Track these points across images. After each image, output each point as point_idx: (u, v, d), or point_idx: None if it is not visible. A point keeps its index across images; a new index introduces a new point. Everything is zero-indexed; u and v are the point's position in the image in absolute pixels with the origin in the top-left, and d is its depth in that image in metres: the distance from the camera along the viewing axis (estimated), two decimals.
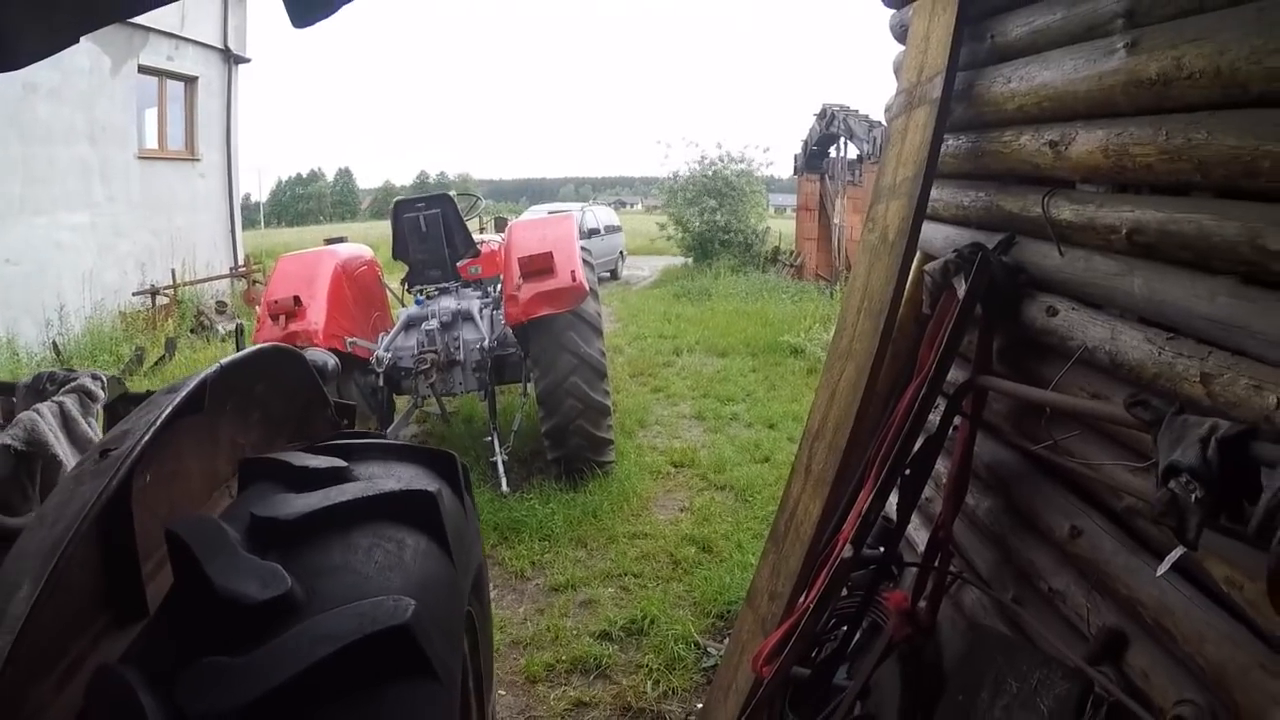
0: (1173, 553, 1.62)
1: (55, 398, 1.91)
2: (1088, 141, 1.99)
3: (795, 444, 3.15)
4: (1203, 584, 1.69)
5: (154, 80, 15.35)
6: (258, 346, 1.75)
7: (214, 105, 17.27)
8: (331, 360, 2.93)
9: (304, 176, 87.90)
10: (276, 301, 5.71)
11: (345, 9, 1.66)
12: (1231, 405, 1.53)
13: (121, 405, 2.08)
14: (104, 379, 2.06)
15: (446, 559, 1.43)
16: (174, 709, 1.02)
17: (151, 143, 15.82)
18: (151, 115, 15.81)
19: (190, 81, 16.49)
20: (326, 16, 1.61)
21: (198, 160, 16.88)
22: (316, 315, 5.73)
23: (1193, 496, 1.34)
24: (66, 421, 1.85)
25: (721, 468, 6.49)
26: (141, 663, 1.10)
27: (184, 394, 1.35)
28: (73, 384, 1.96)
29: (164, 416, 1.27)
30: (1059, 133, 2.12)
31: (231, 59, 17.56)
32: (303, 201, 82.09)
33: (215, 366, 1.51)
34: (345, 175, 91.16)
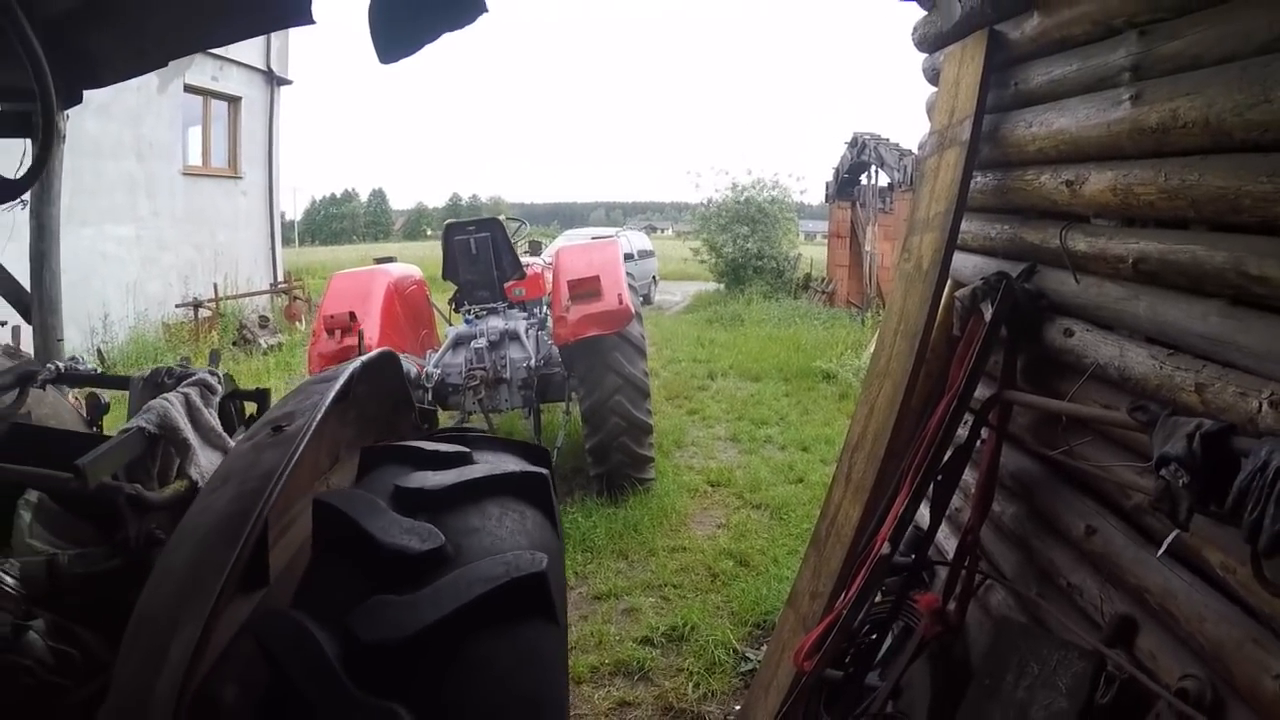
0: (1169, 536, 1.83)
1: (180, 389, 2.09)
2: (1099, 181, 2.24)
3: (828, 466, 3.39)
4: (1201, 570, 1.90)
5: (198, 99, 15.85)
6: (381, 350, 1.96)
7: (256, 125, 17.79)
8: (414, 369, 3.18)
9: (338, 196, 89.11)
10: (333, 316, 5.94)
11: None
12: (1221, 410, 1.76)
13: (232, 400, 2.34)
14: (220, 376, 2.30)
15: (555, 532, 1.65)
16: (349, 639, 1.23)
17: (195, 159, 16.32)
18: (195, 133, 16.28)
19: (234, 101, 17.03)
20: (410, 54, 1.75)
21: (240, 178, 17.38)
22: (371, 330, 5.97)
23: (1180, 482, 1.58)
24: (191, 410, 2.04)
25: (757, 487, 6.66)
26: (308, 608, 1.30)
27: (340, 382, 1.60)
28: (194, 378, 2.17)
29: (329, 400, 1.52)
30: (1074, 173, 2.37)
31: (274, 80, 18.08)
32: (336, 221, 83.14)
33: (358, 362, 1.76)
34: (379, 196, 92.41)
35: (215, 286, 14.84)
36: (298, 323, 15.23)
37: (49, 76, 1.55)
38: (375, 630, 1.23)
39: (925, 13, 3.45)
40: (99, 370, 2.78)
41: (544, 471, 1.75)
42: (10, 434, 2.13)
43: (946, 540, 3.19)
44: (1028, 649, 2.34)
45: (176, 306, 14.12)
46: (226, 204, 17.03)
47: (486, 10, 1.61)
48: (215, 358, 2.68)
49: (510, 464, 1.72)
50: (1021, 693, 2.27)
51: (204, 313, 14.05)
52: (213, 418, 2.15)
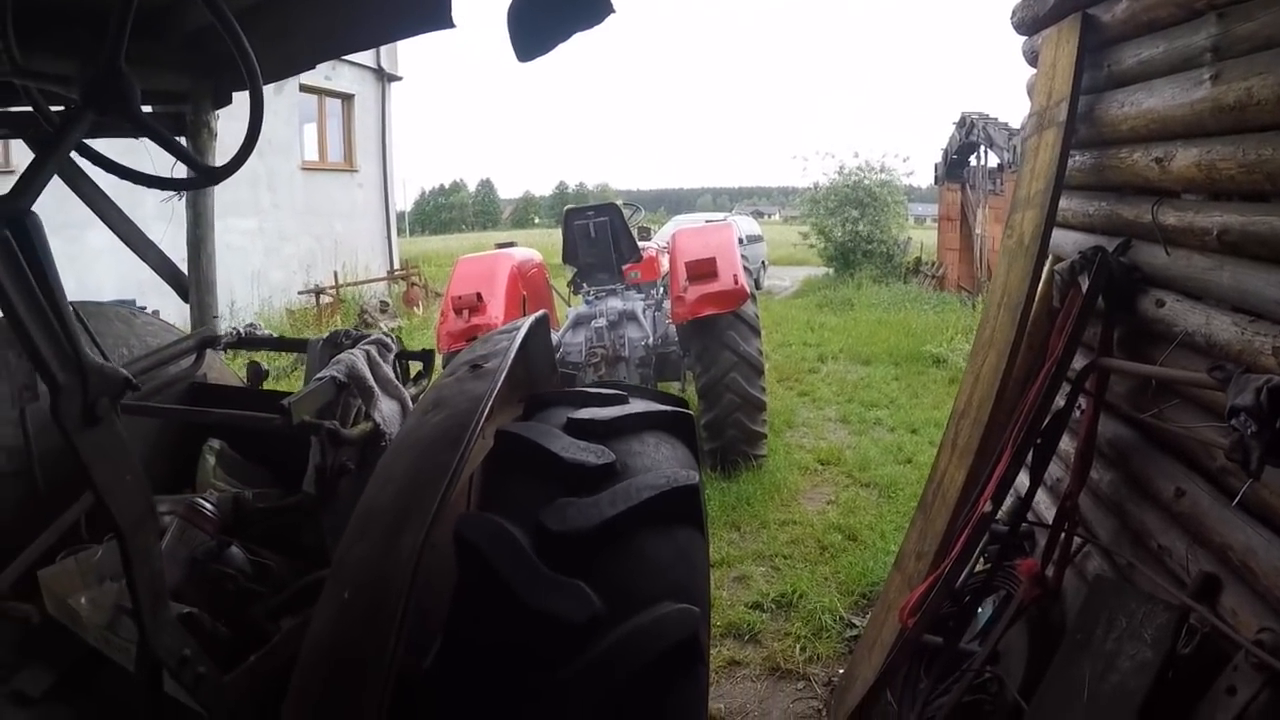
0: (1244, 486, 1.96)
1: (361, 346, 2.40)
2: (1185, 158, 2.35)
3: (937, 448, 3.51)
4: None
5: (313, 98, 16.68)
6: (538, 313, 2.19)
7: (369, 120, 18.58)
8: (556, 337, 3.40)
9: (446, 188, 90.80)
10: (460, 297, 6.31)
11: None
12: None
13: (401, 359, 2.63)
14: (394, 337, 2.62)
15: (696, 463, 1.90)
16: (540, 531, 1.49)
17: (312, 155, 17.18)
18: (310, 130, 17.16)
19: (348, 99, 17.87)
20: (545, 53, 1.84)
21: (356, 171, 18.20)
22: (496, 310, 6.30)
23: (1249, 431, 1.72)
24: (372, 363, 2.33)
25: (866, 467, 6.78)
26: (499, 512, 1.56)
27: (523, 331, 1.90)
28: (372, 338, 2.49)
29: (517, 344, 1.81)
30: (1163, 150, 2.47)
31: (385, 77, 18.83)
32: (445, 211, 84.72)
33: (533, 318, 2.05)
34: (486, 186, 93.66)
35: (335, 274, 15.65)
36: (416, 307, 15.86)
37: (258, 69, 1.82)
38: (563, 523, 1.50)
39: None
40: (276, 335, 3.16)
41: (690, 413, 2.03)
42: (193, 390, 2.54)
43: (1048, 510, 3.29)
44: (1117, 603, 2.46)
45: (299, 293, 15.01)
46: (343, 196, 17.91)
47: (614, 11, 1.71)
48: (386, 306, 3.01)
49: (660, 405, 1.99)
50: (1110, 644, 2.39)
51: (325, 299, 14.81)
52: (390, 371, 2.46)
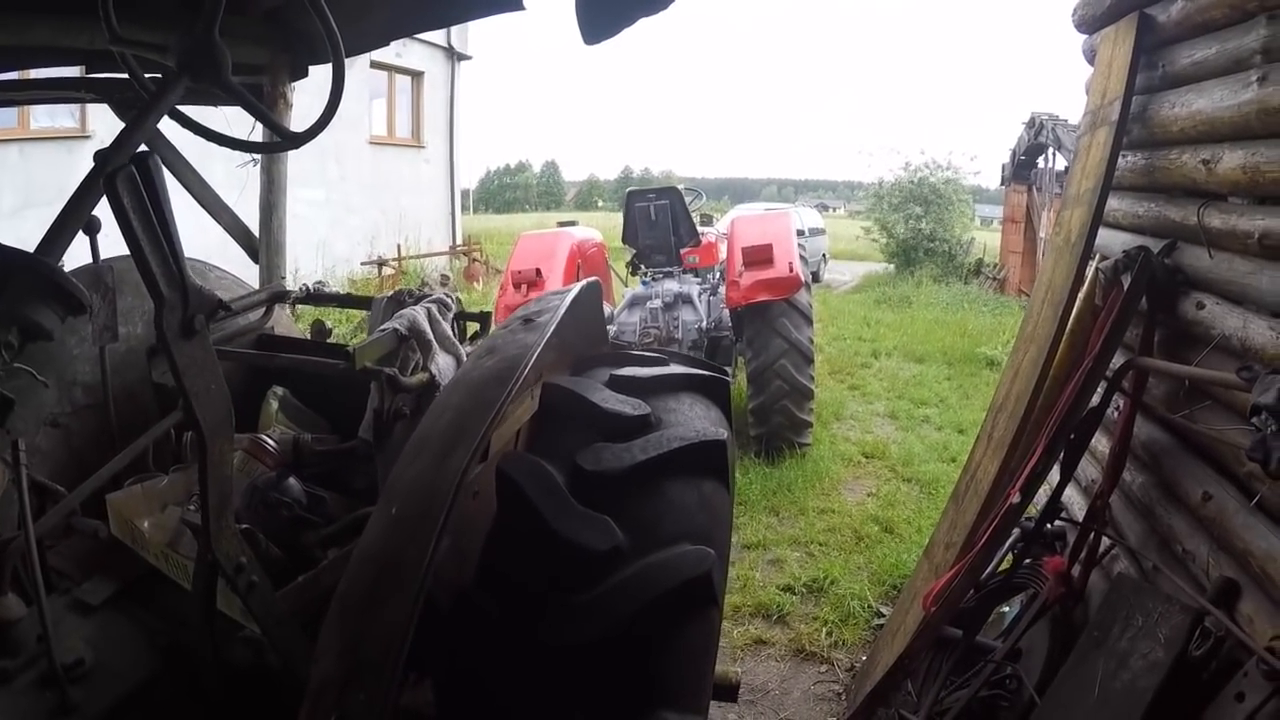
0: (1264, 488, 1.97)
1: (424, 304, 2.54)
2: (1231, 160, 2.34)
3: (973, 446, 3.54)
4: None
5: (383, 74, 16.89)
6: (590, 279, 2.28)
7: (438, 98, 18.80)
8: (611, 313, 3.46)
9: (511, 167, 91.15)
10: (520, 272, 6.53)
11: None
12: None
13: (459, 319, 2.76)
14: (454, 297, 2.75)
15: (728, 424, 2.00)
16: (575, 471, 1.60)
17: (380, 130, 17.40)
18: (380, 105, 17.37)
19: (417, 76, 18.11)
20: (612, 36, 1.88)
21: (423, 147, 18.44)
22: (554, 286, 6.36)
23: (1270, 429, 1.74)
24: (431, 320, 2.47)
25: (909, 462, 6.79)
26: (539, 453, 1.69)
27: (574, 293, 1.99)
28: (433, 296, 2.63)
29: (567, 302, 1.91)
30: (1210, 152, 2.47)
31: (455, 56, 19.03)
32: (510, 190, 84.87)
33: (585, 283, 2.14)
34: (551, 167, 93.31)
35: (398, 247, 15.95)
36: (476, 283, 16.09)
37: (341, 43, 1.93)
38: (597, 464, 1.62)
39: None
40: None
41: (725, 378, 2.14)
42: (261, 340, 2.69)
43: (1079, 509, 3.30)
44: (1135, 602, 2.48)
45: (362, 264, 15.32)
46: (410, 171, 18.15)
47: None
48: (446, 280, 3.15)
49: (698, 370, 2.10)
50: (1125, 642, 2.41)
51: (387, 271, 15.08)
52: (448, 328, 2.59)
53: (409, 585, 1.29)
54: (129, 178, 1.23)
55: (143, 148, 1.50)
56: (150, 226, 1.26)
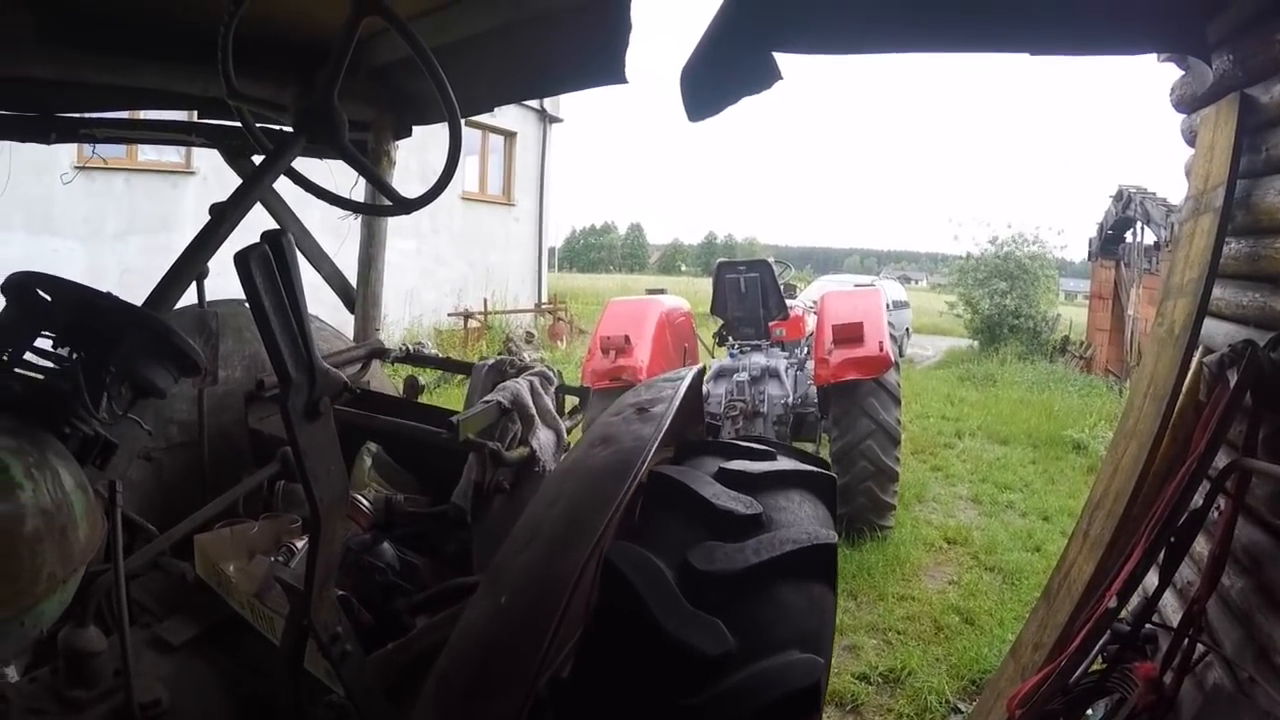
0: None
1: (525, 377, 2.59)
2: None
3: (1067, 538, 3.42)
4: None
5: (477, 133, 17.64)
6: (698, 366, 2.32)
7: (530, 158, 19.49)
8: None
9: (597, 228, 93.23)
10: (609, 337, 6.59)
11: None
12: None
13: (560, 392, 2.79)
14: (555, 371, 2.78)
15: (834, 523, 1.95)
16: (685, 569, 1.58)
17: (472, 186, 18.09)
18: (473, 162, 18.10)
19: (510, 136, 18.83)
20: (715, 114, 1.92)
21: (513, 205, 19.09)
22: (642, 354, 6.54)
23: None
24: (534, 394, 2.51)
25: (993, 550, 6.59)
26: (648, 546, 1.66)
27: (689, 380, 2.01)
28: (535, 370, 2.69)
29: (681, 393, 1.93)
30: None
31: (547, 119, 19.75)
32: (595, 250, 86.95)
33: (698, 368, 2.18)
34: (636, 230, 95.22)
35: (485, 301, 16.43)
36: (559, 341, 16.32)
37: (455, 103, 2.00)
38: (710, 564, 1.59)
39: (1182, 73, 3.43)
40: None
41: (834, 476, 2.10)
42: (359, 396, 2.75)
43: (1174, 613, 3.14)
44: (1230, 714, 2.36)
45: (449, 315, 15.79)
46: (499, 228, 18.78)
47: (782, 78, 1.77)
48: (532, 337, 3.21)
49: (805, 465, 2.07)
50: None
51: (473, 324, 15.51)
52: (550, 403, 2.63)
53: (521, 678, 1.28)
54: (262, 256, 1.26)
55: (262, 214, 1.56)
56: (281, 306, 1.29)
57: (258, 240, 1.28)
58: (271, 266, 1.28)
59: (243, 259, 1.25)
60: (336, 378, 1.38)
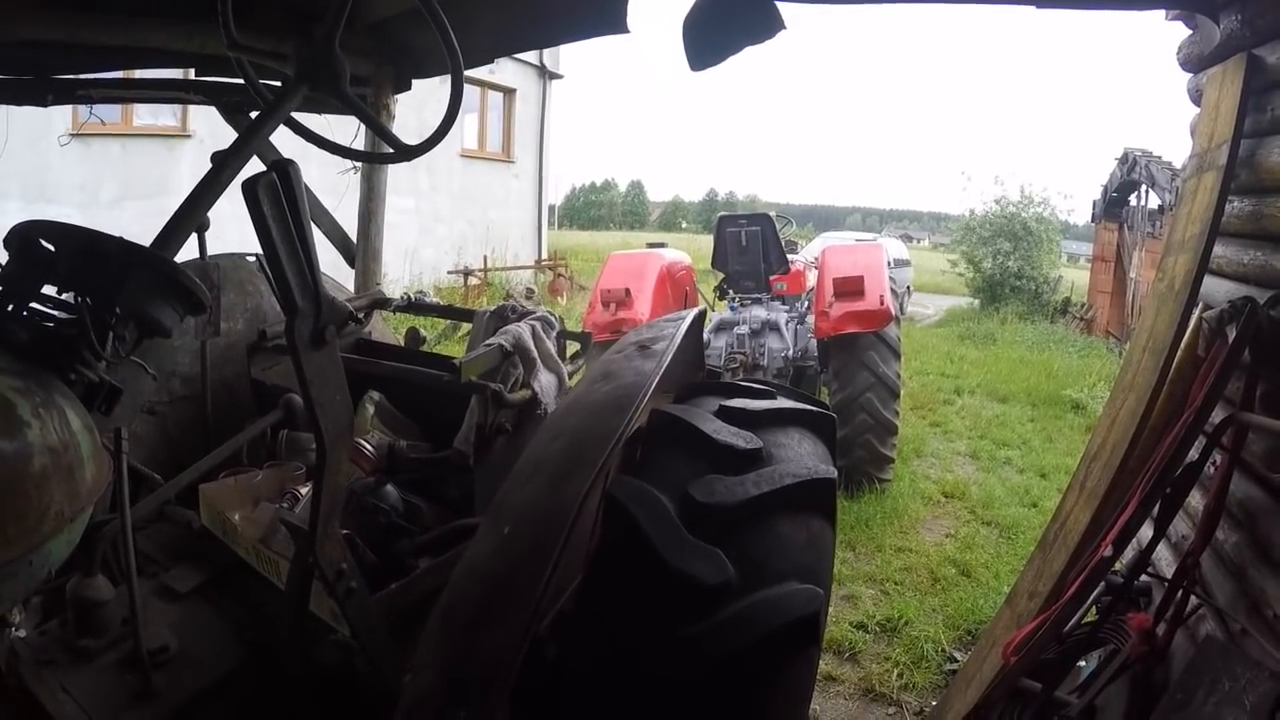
0: None
1: (527, 321, 2.60)
2: None
3: (1064, 494, 3.45)
4: None
5: (476, 89, 17.43)
6: (699, 308, 2.32)
7: (529, 115, 19.27)
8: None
9: (597, 185, 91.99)
10: (609, 290, 6.58)
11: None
12: None
13: (561, 337, 2.79)
14: (557, 316, 2.80)
15: (833, 461, 1.98)
16: (686, 501, 1.61)
17: (471, 144, 17.90)
18: (471, 120, 17.88)
19: (509, 93, 18.60)
20: (717, 64, 1.94)
21: (513, 162, 18.90)
22: (643, 306, 6.53)
23: None
24: (536, 337, 2.53)
25: (989, 504, 6.64)
26: (650, 479, 1.69)
27: (689, 321, 2.02)
28: (537, 314, 2.70)
29: (682, 332, 1.94)
30: None
31: (547, 75, 19.50)
32: (595, 208, 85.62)
33: (697, 310, 2.18)
34: (637, 187, 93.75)
35: (485, 258, 16.35)
36: (560, 297, 16.29)
37: (459, 54, 1.98)
38: (710, 496, 1.62)
39: (1190, 31, 3.40)
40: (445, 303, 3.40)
41: (834, 416, 2.13)
42: (359, 344, 2.77)
43: (1168, 566, 3.18)
44: (1223, 666, 2.38)
45: (449, 273, 15.74)
46: (499, 185, 18.61)
47: (785, 28, 1.79)
48: (531, 293, 3.22)
49: (804, 404, 2.10)
50: (1209, 707, 2.32)
51: (473, 281, 15.44)
52: (552, 346, 2.65)
53: (522, 608, 1.29)
54: (270, 184, 1.26)
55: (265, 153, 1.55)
56: (289, 235, 1.29)
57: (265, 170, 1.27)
58: (279, 195, 1.27)
59: (251, 186, 1.25)
60: (342, 307, 1.39)
